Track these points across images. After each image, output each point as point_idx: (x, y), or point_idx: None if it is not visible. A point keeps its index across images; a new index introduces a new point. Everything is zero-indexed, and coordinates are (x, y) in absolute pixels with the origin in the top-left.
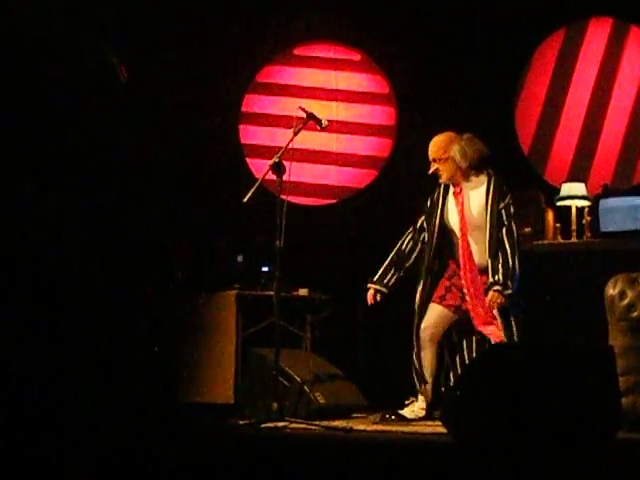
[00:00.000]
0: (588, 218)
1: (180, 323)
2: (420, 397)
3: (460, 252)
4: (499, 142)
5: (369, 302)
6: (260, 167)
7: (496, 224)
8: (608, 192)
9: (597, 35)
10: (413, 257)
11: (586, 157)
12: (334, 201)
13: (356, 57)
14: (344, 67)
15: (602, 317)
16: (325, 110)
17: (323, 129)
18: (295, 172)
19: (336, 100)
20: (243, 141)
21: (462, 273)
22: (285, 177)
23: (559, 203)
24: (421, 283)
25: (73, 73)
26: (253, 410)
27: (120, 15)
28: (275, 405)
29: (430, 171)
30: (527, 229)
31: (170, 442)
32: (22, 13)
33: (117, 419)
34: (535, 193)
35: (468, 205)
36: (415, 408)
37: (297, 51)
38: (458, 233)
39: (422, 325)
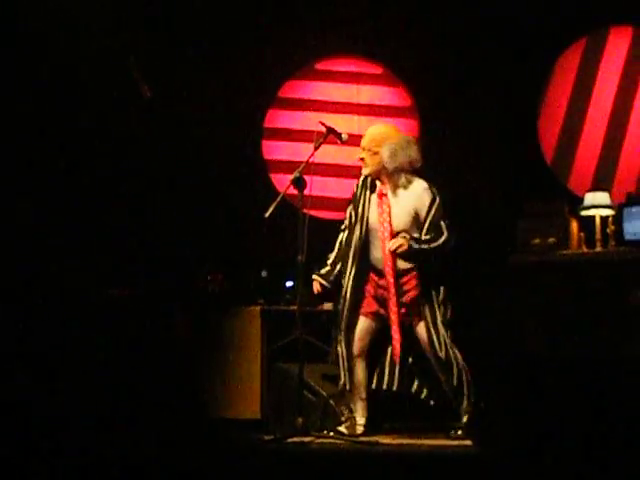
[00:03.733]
0: (612, 227)
1: (205, 339)
2: (358, 413)
3: (382, 255)
4: (522, 152)
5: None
6: (284, 182)
7: (435, 228)
8: (632, 200)
9: (618, 44)
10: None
11: (609, 166)
12: None
13: (377, 70)
14: (366, 81)
15: (627, 326)
16: (348, 124)
17: (343, 143)
18: (320, 186)
19: (358, 114)
20: (266, 157)
21: (386, 277)
22: (307, 191)
23: (583, 212)
24: (348, 288)
25: (99, 89)
26: (279, 425)
27: (142, 33)
28: (300, 420)
29: (357, 157)
30: (551, 239)
31: (197, 458)
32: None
33: (146, 435)
34: (559, 203)
35: (395, 211)
36: (351, 424)
37: (319, 65)
38: (380, 236)
39: (352, 340)
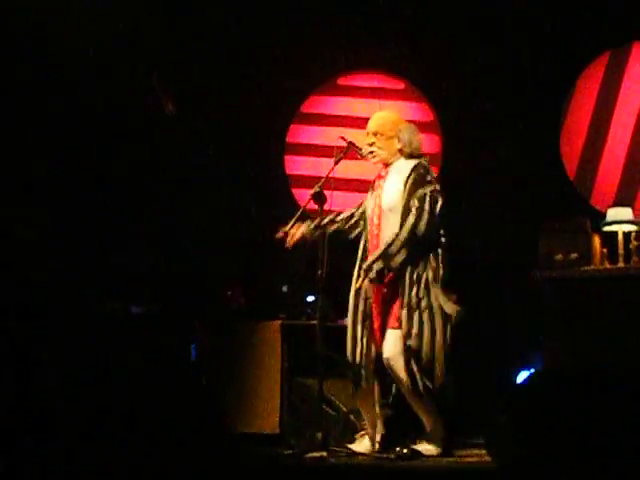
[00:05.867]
0: (635, 242)
1: (226, 354)
2: (375, 429)
3: (369, 245)
4: (544, 168)
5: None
6: (306, 197)
7: (406, 210)
8: None
9: None
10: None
11: (632, 181)
12: None
13: (400, 86)
14: (388, 96)
15: None
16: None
17: (364, 157)
18: (341, 201)
19: None
20: (289, 172)
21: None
22: (327, 206)
23: (605, 228)
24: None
25: (122, 104)
26: (299, 440)
27: (168, 48)
28: (319, 435)
29: (365, 142)
30: (574, 255)
31: (217, 473)
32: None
33: (166, 450)
34: (581, 219)
35: (386, 187)
36: (366, 441)
37: (341, 81)
38: (370, 222)
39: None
